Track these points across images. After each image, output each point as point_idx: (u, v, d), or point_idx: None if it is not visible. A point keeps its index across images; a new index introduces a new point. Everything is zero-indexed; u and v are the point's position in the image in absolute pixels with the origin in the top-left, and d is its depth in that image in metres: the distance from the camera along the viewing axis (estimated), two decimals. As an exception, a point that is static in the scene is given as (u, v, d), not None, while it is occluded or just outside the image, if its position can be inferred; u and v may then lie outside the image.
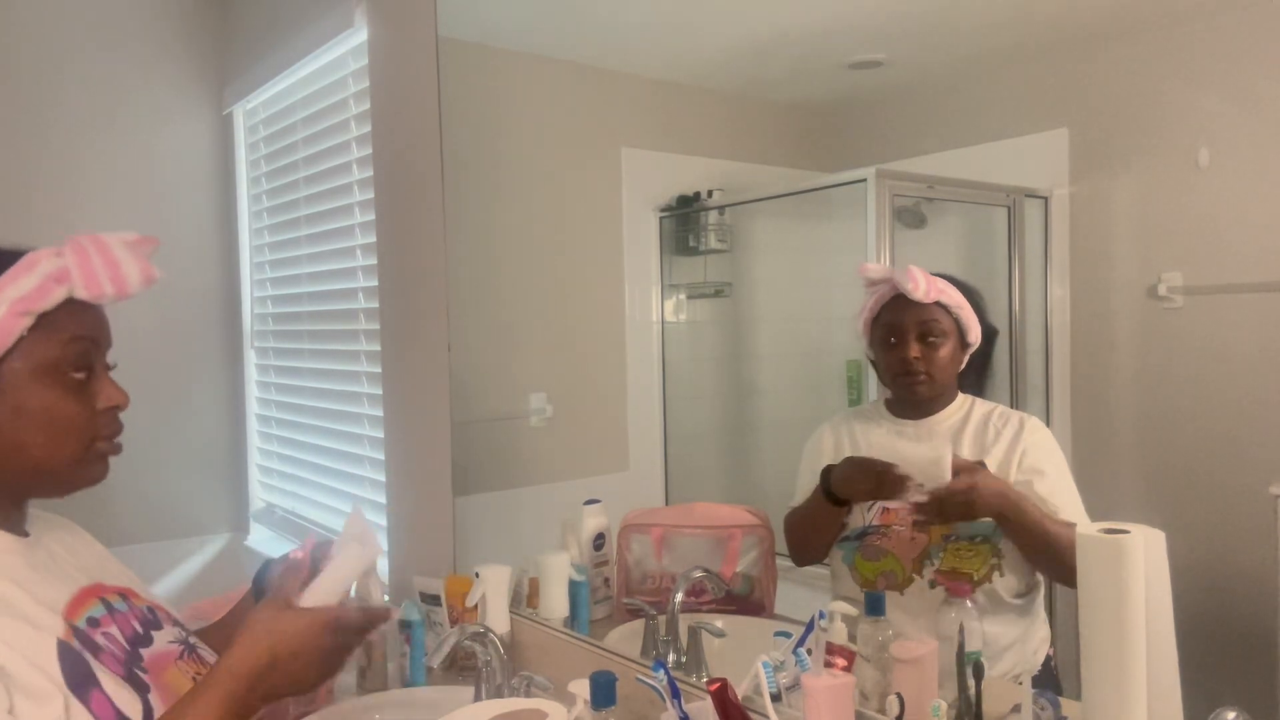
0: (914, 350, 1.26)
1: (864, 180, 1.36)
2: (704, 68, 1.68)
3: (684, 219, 1.70)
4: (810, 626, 1.16)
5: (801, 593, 1.49)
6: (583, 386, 1.92)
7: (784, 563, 1.49)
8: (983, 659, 1.06)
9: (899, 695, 1.08)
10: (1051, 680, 1.20)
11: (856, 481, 1.29)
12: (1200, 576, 1.08)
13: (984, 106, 1.30)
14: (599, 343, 1.89)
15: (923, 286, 1.23)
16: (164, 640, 1.02)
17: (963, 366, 1.27)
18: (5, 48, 2.66)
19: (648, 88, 1.78)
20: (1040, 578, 1.23)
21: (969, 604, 1.12)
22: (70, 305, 0.92)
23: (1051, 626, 1.24)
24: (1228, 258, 1.06)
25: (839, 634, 1.12)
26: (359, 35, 2.21)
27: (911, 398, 1.31)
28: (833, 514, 1.33)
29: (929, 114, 1.37)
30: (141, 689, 0.93)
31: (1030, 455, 1.19)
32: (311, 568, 1.01)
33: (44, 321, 0.91)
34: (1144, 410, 1.14)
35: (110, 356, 1.00)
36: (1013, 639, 1.21)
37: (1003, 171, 1.28)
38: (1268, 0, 1.02)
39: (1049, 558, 1.16)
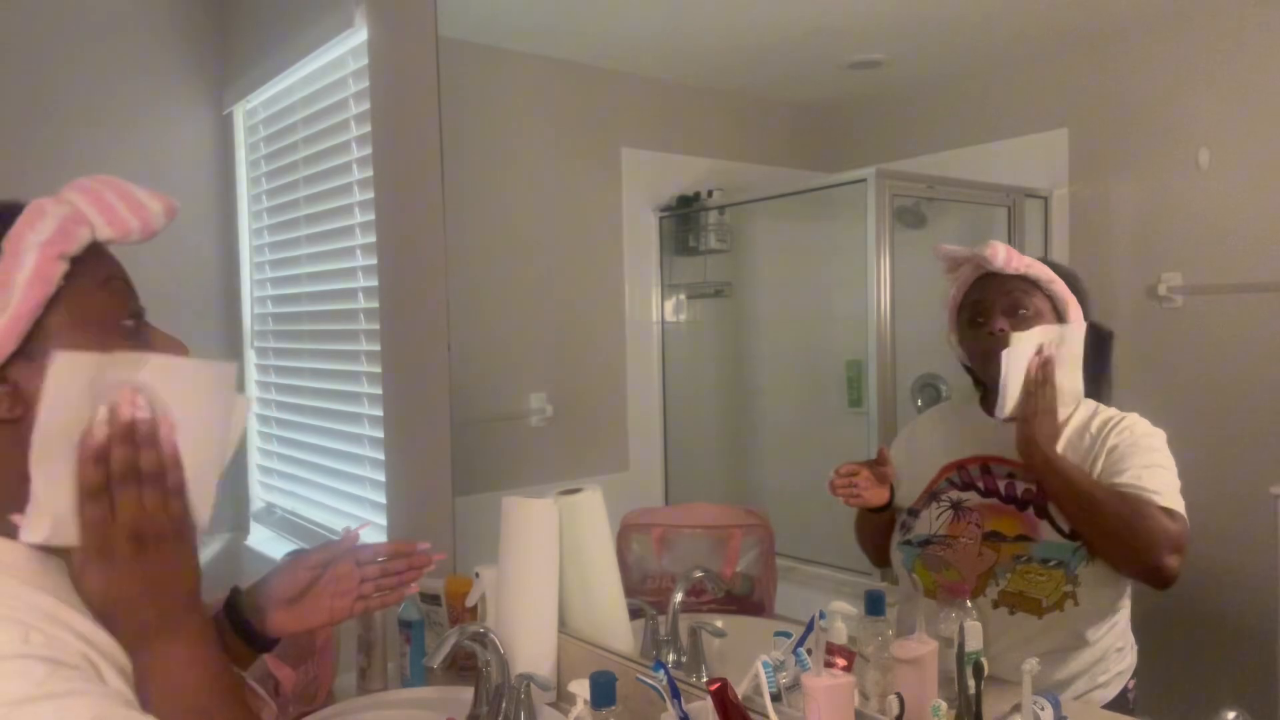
0: (1001, 323, 1.14)
1: (864, 180, 1.35)
2: (704, 68, 1.68)
3: (684, 219, 1.70)
4: (810, 626, 1.16)
5: (801, 593, 1.49)
6: (583, 386, 1.92)
7: (784, 563, 1.49)
8: (982, 663, 1.05)
9: (899, 695, 1.08)
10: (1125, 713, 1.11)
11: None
12: (1200, 576, 1.08)
13: (984, 106, 1.30)
14: (599, 343, 1.89)
15: (1002, 255, 1.13)
16: None
17: None
18: (5, 48, 2.66)
19: (648, 88, 1.78)
20: (1125, 604, 1.13)
21: (969, 604, 1.12)
22: (94, 250, 0.81)
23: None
24: (1228, 258, 1.06)
25: (839, 634, 1.12)
26: (359, 35, 2.21)
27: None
28: (869, 516, 1.31)
29: (929, 114, 1.37)
30: None
31: (1114, 454, 1.11)
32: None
33: (73, 270, 0.79)
34: (1144, 410, 1.14)
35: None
36: (1085, 666, 1.12)
37: (1003, 171, 1.28)
38: (1268, 0, 1.02)
39: (1100, 534, 1.09)
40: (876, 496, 1.27)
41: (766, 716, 1.08)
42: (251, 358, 3.03)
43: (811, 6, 1.49)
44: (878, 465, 1.28)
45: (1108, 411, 1.14)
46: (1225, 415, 1.07)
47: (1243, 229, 1.05)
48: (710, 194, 1.65)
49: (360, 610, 1.11)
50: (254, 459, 3.06)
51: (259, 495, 3.05)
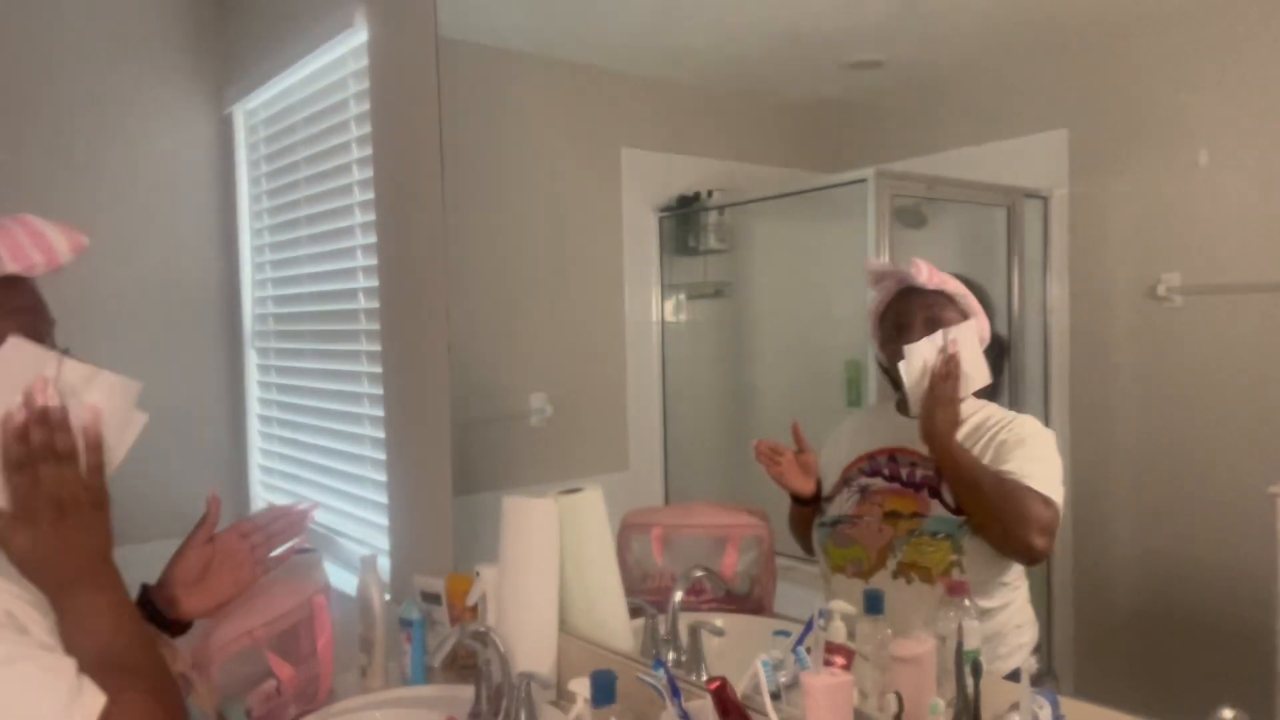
0: (919, 336, 1.25)
1: (864, 180, 1.36)
2: (704, 68, 1.68)
3: (684, 219, 1.70)
4: (809, 625, 1.16)
5: (801, 592, 1.49)
6: (583, 386, 1.92)
7: (784, 562, 1.49)
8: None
9: (897, 694, 1.08)
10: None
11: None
12: (1200, 576, 1.08)
13: (984, 106, 1.30)
14: (599, 343, 1.89)
15: (925, 273, 1.25)
16: None
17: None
18: (5, 48, 2.66)
19: (648, 88, 1.78)
20: (1016, 578, 1.22)
21: (967, 603, 1.12)
22: (2, 283, 0.95)
23: (1048, 633, 1.21)
24: (1228, 258, 1.06)
25: (838, 633, 1.12)
26: (359, 35, 2.21)
27: None
28: (796, 510, 1.43)
29: (929, 114, 1.37)
30: None
31: (1003, 447, 1.21)
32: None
33: None
34: (1143, 410, 1.14)
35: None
36: (980, 641, 1.17)
37: (1003, 171, 1.28)
38: (1268, 0, 1.02)
39: (982, 511, 1.21)
40: (801, 483, 1.40)
41: (766, 715, 1.08)
42: (251, 358, 3.03)
43: (811, 7, 1.49)
44: (799, 453, 1.41)
45: (1001, 412, 1.25)
46: (1225, 415, 1.07)
47: (1243, 229, 1.05)
48: (710, 194, 1.65)
49: (261, 574, 1.28)
50: (254, 459, 3.06)
51: (259, 495, 3.05)
